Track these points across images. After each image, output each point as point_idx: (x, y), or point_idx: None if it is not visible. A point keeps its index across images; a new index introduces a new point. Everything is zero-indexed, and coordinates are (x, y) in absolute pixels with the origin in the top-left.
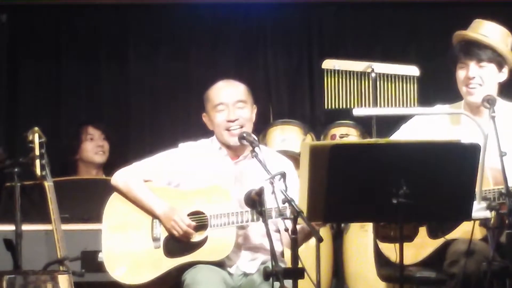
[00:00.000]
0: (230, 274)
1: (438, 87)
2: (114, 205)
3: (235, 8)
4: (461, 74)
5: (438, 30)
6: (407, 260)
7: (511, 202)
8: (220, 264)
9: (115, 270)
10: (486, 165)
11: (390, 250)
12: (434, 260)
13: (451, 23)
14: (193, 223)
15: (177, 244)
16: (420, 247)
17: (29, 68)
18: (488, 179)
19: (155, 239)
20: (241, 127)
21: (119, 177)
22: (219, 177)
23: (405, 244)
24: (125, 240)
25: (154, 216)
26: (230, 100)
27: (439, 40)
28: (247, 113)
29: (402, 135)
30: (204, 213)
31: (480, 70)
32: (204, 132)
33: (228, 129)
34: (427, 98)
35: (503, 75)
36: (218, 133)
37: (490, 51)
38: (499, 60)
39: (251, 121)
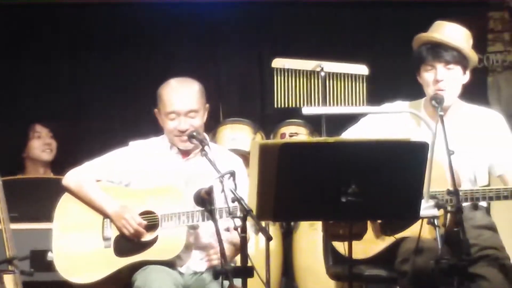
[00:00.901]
0: (181, 273)
1: (387, 86)
2: (65, 206)
3: (184, 6)
4: (428, 76)
5: (387, 30)
6: (358, 255)
7: (458, 200)
8: (171, 264)
9: (64, 270)
10: (446, 165)
11: (340, 244)
12: (385, 257)
13: (401, 23)
14: (144, 222)
15: (128, 243)
16: (371, 242)
17: None
18: (446, 180)
19: (106, 239)
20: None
21: (70, 178)
22: (170, 175)
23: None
24: (76, 240)
25: (106, 215)
26: (182, 109)
27: (388, 39)
28: (199, 121)
29: (355, 133)
30: (155, 213)
31: (448, 72)
32: (154, 128)
33: (178, 136)
34: (377, 97)
35: (466, 77)
36: (169, 137)
37: (456, 53)
38: (464, 62)
39: (202, 127)
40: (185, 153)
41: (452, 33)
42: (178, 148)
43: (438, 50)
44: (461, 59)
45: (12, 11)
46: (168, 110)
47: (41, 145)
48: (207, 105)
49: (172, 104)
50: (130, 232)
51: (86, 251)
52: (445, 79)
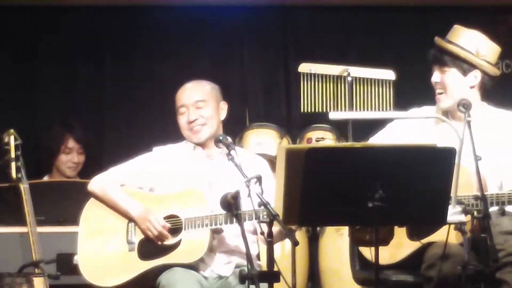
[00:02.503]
0: (205, 277)
1: (414, 91)
2: (91, 210)
3: (211, 11)
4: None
5: (414, 34)
6: (384, 260)
7: (486, 206)
8: (195, 268)
9: (89, 274)
10: (471, 171)
11: (367, 249)
12: (411, 263)
13: (427, 27)
14: (168, 225)
15: (151, 246)
16: (398, 247)
17: (4, 68)
18: (472, 185)
19: (130, 242)
20: (203, 125)
21: (96, 183)
22: (195, 176)
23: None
24: (100, 244)
25: (130, 218)
26: (189, 101)
27: (414, 44)
28: (208, 112)
29: (382, 138)
30: (179, 217)
31: (442, 75)
32: (178, 134)
33: (189, 130)
34: (403, 102)
35: (474, 80)
36: (184, 134)
37: (451, 56)
38: (462, 65)
39: (214, 118)
40: (209, 152)
41: (457, 37)
42: (202, 148)
43: (435, 53)
44: (456, 62)
45: (32, 16)
46: (178, 105)
47: (68, 161)
48: (224, 103)
49: (181, 99)
50: (154, 234)
51: (111, 255)
52: (440, 81)
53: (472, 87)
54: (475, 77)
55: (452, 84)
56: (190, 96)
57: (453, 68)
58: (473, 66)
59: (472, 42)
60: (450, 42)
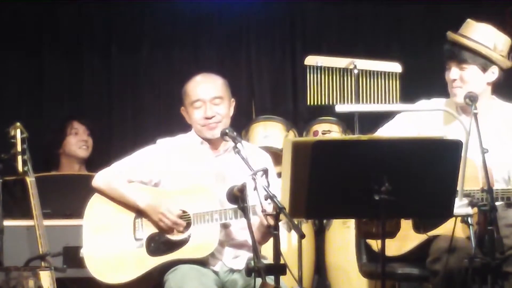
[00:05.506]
0: (215, 272)
1: (421, 84)
2: (95, 207)
3: (218, 4)
4: (446, 75)
5: (421, 27)
6: (390, 252)
7: (493, 199)
8: (204, 263)
9: (97, 272)
10: (478, 164)
11: (374, 241)
12: (417, 255)
13: (434, 20)
14: (180, 212)
15: (160, 242)
16: (404, 239)
17: (11, 62)
18: (478, 178)
19: (137, 239)
20: (219, 122)
21: (100, 179)
22: (201, 171)
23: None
24: (107, 241)
25: (138, 210)
26: (207, 97)
27: (421, 37)
28: (224, 109)
29: (390, 129)
30: (187, 212)
31: (461, 72)
32: (185, 127)
33: (205, 125)
34: (410, 94)
35: (492, 76)
36: (196, 128)
37: (471, 53)
38: (482, 62)
39: (228, 116)
40: (216, 148)
41: (474, 32)
42: (209, 143)
43: (453, 50)
44: (477, 59)
45: (37, 9)
46: (193, 99)
47: (78, 141)
48: (233, 100)
49: (197, 93)
50: (168, 225)
51: (118, 252)
52: (459, 78)
53: (489, 83)
54: (493, 73)
55: (472, 81)
56: (207, 92)
57: (473, 65)
58: (492, 62)
59: (489, 37)
60: (467, 38)
